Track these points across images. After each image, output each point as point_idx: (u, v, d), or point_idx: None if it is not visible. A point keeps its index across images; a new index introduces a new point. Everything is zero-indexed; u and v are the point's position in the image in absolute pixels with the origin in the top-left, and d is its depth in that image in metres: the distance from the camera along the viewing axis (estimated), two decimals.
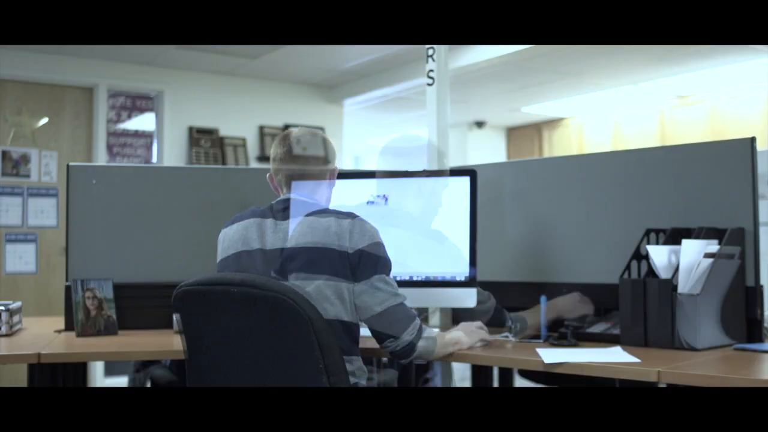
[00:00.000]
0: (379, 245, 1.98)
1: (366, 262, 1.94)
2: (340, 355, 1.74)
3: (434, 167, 2.81)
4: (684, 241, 2.10)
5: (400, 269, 2.31)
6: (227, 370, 1.81)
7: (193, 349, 1.86)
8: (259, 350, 1.76)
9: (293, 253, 1.94)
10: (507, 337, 2.31)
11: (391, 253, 2.02)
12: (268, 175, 2.16)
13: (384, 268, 1.98)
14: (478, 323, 2.21)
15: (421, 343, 1.98)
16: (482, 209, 2.47)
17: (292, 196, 2.07)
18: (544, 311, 2.25)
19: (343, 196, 2.59)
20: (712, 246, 2.10)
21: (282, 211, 2.04)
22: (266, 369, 1.76)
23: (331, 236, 1.93)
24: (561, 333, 2.20)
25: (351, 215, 1.98)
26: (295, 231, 1.97)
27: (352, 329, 1.97)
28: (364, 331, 2.04)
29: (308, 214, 1.99)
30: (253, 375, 1.77)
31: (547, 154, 8.20)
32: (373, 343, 2.03)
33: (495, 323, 2.43)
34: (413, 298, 2.11)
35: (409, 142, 2.30)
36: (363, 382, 1.99)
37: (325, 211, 2.00)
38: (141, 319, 2.65)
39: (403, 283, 2.28)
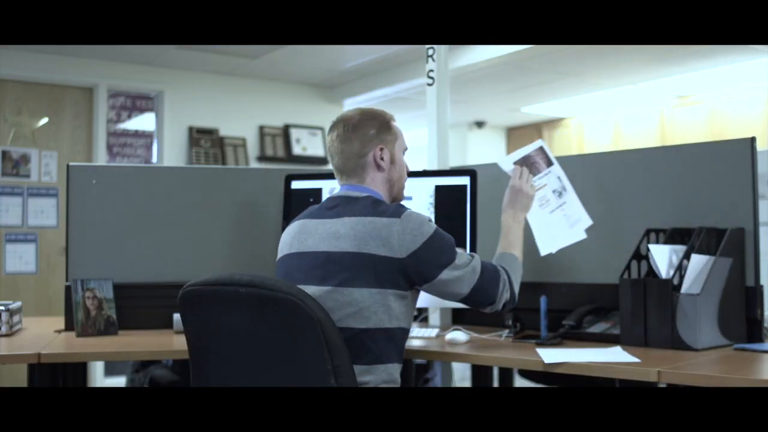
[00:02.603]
0: (434, 237, 1.83)
1: (427, 262, 1.82)
2: (348, 357, 1.70)
3: (434, 167, 2.81)
4: (693, 256, 2.06)
5: None
6: (233, 370, 1.79)
7: (199, 350, 1.83)
8: (268, 351, 1.73)
9: (334, 258, 1.81)
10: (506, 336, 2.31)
11: None
12: None
13: (450, 255, 1.86)
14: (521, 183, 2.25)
15: (515, 288, 2.03)
16: (482, 209, 2.47)
17: (339, 191, 1.97)
18: (544, 311, 2.25)
19: None
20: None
21: (329, 209, 1.91)
22: (274, 370, 1.73)
23: (375, 242, 1.79)
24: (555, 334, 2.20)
25: (396, 212, 1.83)
26: (338, 233, 1.83)
27: (396, 335, 1.85)
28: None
29: (354, 213, 1.84)
30: (261, 376, 1.74)
31: None
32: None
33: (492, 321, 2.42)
34: None
35: None
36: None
37: (369, 210, 1.84)
38: (141, 319, 2.65)
39: None
